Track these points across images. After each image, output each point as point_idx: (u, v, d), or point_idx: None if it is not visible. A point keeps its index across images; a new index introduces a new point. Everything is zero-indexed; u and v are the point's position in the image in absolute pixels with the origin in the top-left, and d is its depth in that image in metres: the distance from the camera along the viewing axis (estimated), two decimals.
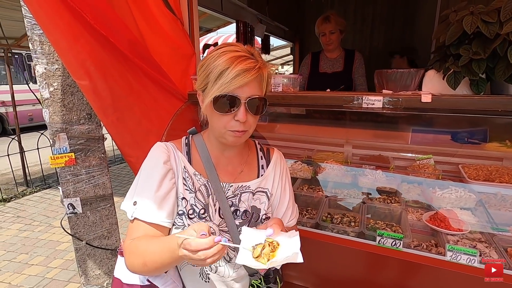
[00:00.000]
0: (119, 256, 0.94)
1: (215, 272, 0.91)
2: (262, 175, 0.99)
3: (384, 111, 1.30)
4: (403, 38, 4.82)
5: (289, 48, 6.24)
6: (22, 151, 4.41)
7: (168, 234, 0.86)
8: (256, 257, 0.67)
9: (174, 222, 0.87)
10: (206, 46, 3.40)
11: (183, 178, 0.89)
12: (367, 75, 2.60)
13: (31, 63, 8.48)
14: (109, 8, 1.20)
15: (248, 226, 0.91)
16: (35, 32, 1.44)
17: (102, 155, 1.67)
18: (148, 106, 1.47)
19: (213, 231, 0.88)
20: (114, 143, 1.45)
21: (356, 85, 2.59)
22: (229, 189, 0.93)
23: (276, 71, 5.79)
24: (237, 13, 3.57)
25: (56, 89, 1.52)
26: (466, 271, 1.14)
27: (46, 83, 1.50)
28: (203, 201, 0.89)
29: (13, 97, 4.44)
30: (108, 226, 1.77)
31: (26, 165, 4.49)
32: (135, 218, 0.83)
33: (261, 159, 1.02)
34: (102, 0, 1.17)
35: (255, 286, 0.96)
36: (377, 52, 4.95)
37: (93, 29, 1.16)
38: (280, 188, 1.01)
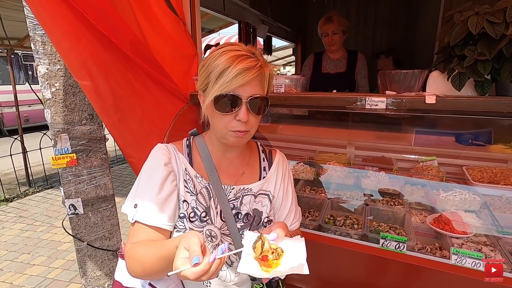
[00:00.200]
0: (119, 258, 0.93)
1: (217, 277, 0.89)
2: (264, 177, 0.97)
3: (388, 113, 1.29)
4: (405, 39, 4.79)
5: (291, 49, 6.23)
6: (24, 151, 4.42)
7: (170, 237, 0.85)
8: (259, 255, 0.65)
9: (176, 225, 0.86)
10: (208, 47, 3.39)
11: (184, 180, 0.88)
12: (369, 76, 2.59)
13: (27, 63, 8.52)
14: (111, 9, 1.20)
15: (249, 229, 0.89)
16: (37, 32, 1.44)
17: (104, 155, 1.67)
18: (150, 106, 1.46)
19: (215, 234, 0.87)
20: (115, 144, 1.44)
21: (358, 86, 2.57)
22: (230, 192, 0.91)
23: (278, 72, 5.79)
24: (239, 14, 3.56)
25: (58, 89, 1.52)
26: (471, 275, 1.12)
27: (48, 83, 1.50)
28: (205, 204, 0.88)
29: (15, 97, 4.46)
30: (110, 227, 1.76)
31: (28, 165, 4.50)
32: (136, 221, 0.81)
33: (263, 160, 1.00)
34: (104, 1, 1.17)
35: None
36: (379, 53, 4.94)
37: (95, 29, 1.16)
38: (283, 190, 0.99)
